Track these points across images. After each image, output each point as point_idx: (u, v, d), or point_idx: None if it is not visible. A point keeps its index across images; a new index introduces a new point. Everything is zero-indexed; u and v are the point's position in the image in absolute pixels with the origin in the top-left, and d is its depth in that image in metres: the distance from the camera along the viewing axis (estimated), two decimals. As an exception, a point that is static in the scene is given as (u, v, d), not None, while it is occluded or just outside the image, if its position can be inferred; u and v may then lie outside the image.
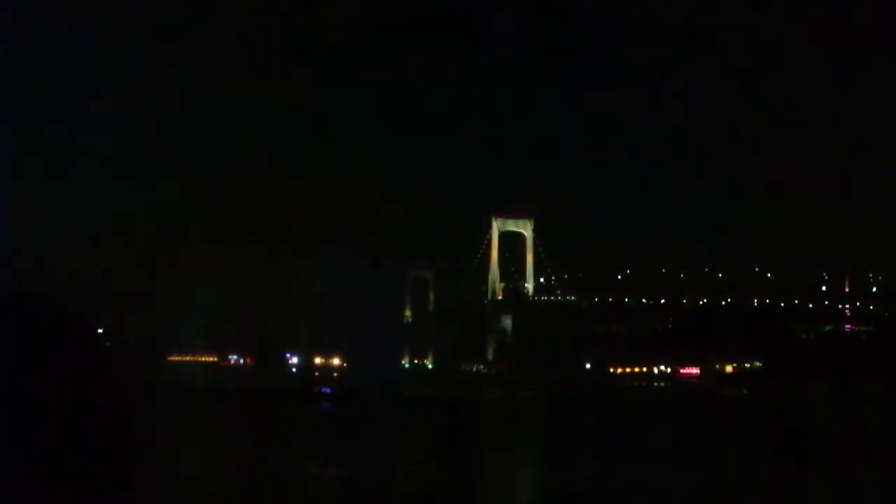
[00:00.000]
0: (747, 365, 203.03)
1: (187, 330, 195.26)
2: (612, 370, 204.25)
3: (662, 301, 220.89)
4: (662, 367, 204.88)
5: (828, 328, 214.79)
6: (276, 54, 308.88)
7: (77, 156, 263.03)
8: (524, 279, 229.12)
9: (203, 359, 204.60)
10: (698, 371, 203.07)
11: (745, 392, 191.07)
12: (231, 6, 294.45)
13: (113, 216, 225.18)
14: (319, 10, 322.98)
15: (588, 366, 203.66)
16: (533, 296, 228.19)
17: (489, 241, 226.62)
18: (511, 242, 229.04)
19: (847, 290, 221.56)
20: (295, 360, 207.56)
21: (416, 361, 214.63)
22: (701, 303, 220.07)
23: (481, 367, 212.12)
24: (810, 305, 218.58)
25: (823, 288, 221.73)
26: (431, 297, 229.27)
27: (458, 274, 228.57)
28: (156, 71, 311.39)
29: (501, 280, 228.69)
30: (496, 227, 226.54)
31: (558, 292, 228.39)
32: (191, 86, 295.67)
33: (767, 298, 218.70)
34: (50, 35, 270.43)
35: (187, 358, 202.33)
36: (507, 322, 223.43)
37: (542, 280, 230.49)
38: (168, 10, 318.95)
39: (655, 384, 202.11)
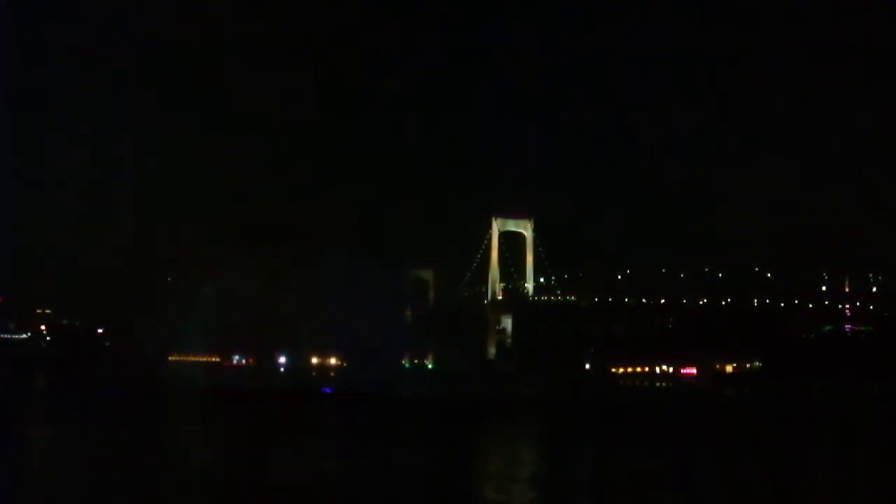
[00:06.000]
0: (747, 365, 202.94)
1: (189, 330, 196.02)
2: (612, 370, 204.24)
3: (662, 301, 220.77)
4: (664, 367, 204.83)
5: (828, 328, 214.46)
6: (276, 56, 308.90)
7: (77, 155, 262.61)
8: (524, 279, 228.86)
9: (206, 359, 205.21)
10: (695, 371, 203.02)
11: (745, 392, 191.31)
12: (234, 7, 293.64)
13: (114, 216, 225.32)
14: (318, 12, 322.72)
15: (588, 366, 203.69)
16: (533, 296, 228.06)
17: (489, 241, 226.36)
18: (511, 242, 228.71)
19: (847, 290, 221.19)
20: (283, 359, 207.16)
21: (416, 361, 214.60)
22: (701, 303, 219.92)
23: (477, 367, 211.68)
24: (810, 305, 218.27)
25: (823, 288, 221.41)
26: (431, 297, 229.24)
27: (458, 274, 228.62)
28: (156, 67, 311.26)
29: (501, 280, 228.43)
30: (496, 227, 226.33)
31: (558, 292, 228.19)
32: (191, 84, 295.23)
33: (767, 298, 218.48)
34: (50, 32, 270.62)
35: (189, 358, 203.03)
36: (507, 322, 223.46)
37: (542, 280, 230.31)
38: (166, 10, 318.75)
39: (657, 384, 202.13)
